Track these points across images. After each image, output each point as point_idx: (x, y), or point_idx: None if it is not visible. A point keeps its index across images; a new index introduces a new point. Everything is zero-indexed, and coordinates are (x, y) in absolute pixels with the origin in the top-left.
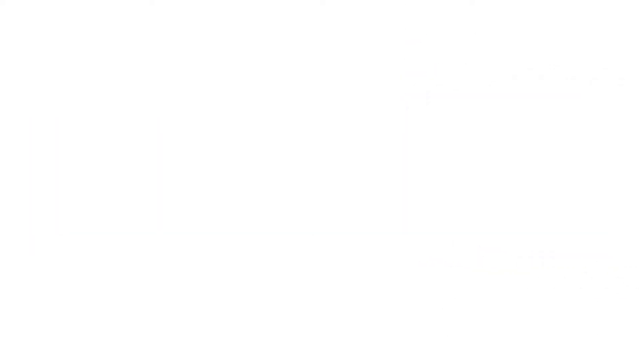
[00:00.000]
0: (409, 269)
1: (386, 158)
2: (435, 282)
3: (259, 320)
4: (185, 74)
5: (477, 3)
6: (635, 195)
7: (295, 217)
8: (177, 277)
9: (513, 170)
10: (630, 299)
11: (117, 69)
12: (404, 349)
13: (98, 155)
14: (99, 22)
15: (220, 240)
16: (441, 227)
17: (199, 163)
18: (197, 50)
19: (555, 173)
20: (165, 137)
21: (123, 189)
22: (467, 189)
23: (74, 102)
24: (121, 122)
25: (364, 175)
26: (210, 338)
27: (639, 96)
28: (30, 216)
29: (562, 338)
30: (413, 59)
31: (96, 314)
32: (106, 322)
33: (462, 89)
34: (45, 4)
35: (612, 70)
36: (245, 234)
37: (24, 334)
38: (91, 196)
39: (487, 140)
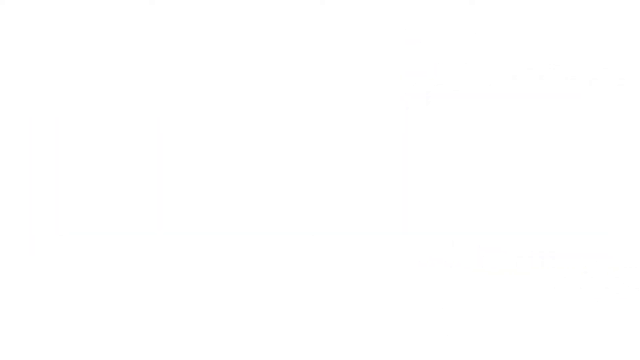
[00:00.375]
0: (409, 269)
1: (386, 158)
2: (435, 282)
3: (259, 320)
4: (185, 74)
5: (477, 3)
6: (635, 195)
7: (295, 217)
8: (177, 277)
9: (513, 170)
10: (630, 299)
11: (117, 69)
12: (404, 349)
13: (98, 155)
14: (99, 22)
15: (220, 240)
16: (441, 227)
17: (199, 163)
18: (197, 50)
19: (555, 173)
20: (165, 137)
21: (123, 189)
22: (467, 189)
23: (74, 102)
24: (121, 122)
25: (364, 175)
26: (210, 338)
27: (639, 96)
28: (30, 216)
29: (562, 338)
30: (413, 59)
31: (96, 314)
32: (106, 322)
33: (462, 89)
34: (45, 4)
35: (612, 70)
36: (245, 234)
37: (24, 334)
38: (91, 196)
39: (487, 140)
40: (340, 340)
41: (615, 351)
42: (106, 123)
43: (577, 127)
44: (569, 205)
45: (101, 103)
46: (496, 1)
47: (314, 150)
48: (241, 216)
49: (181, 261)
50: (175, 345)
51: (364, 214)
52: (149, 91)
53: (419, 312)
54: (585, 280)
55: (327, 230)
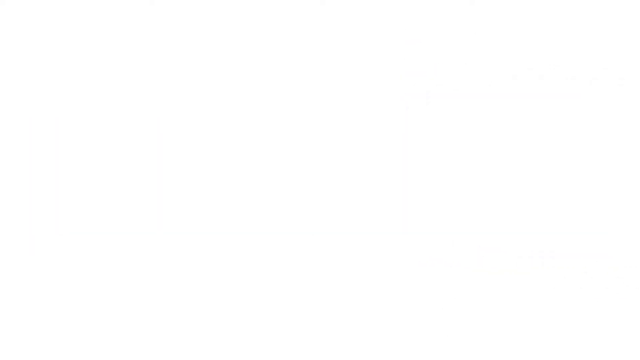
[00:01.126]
0: (409, 269)
1: (386, 158)
2: (435, 282)
3: (259, 320)
4: (185, 74)
5: (477, 3)
6: (635, 195)
7: (295, 217)
8: (177, 277)
9: (513, 170)
10: (630, 299)
11: (117, 69)
12: (404, 348)
13: (98, 155)
14: (99, 22)
15: (220, 240)
16: (441, 227)
17: (199, 163)
18: (197, 50)
19: (555, 173)
20: (165, 137)
21: (123, 189)
22: (466, 189)
23: (74, 102)
24: (121, 122)
25: (364, 175)
26: (210, 338)
27: (639, 96)
28: (30, 216)
29: (562, 338)
30: (413, 59)
31: (96, 314)
32: (106, 322)
33: (462, 89)
34: (45, 4)
35: (612, 70)
36: (245, 234)
37: (24, 334)
38: (91, 196)
39: (487, 140)
40: (341, 340)
41: (615, 351)
42: (106, 123)
43: (577, 127)
44: (569, 205)
45: (101, 103)
46: (496, 1)
47: (314, 150)
48: (241, 216)
49: (181, 261)
50: (176, 345)
51: (364, 214)
52: (149, 91)
53: (419, 312)
54: (585, 280)
55: (327, 230)
